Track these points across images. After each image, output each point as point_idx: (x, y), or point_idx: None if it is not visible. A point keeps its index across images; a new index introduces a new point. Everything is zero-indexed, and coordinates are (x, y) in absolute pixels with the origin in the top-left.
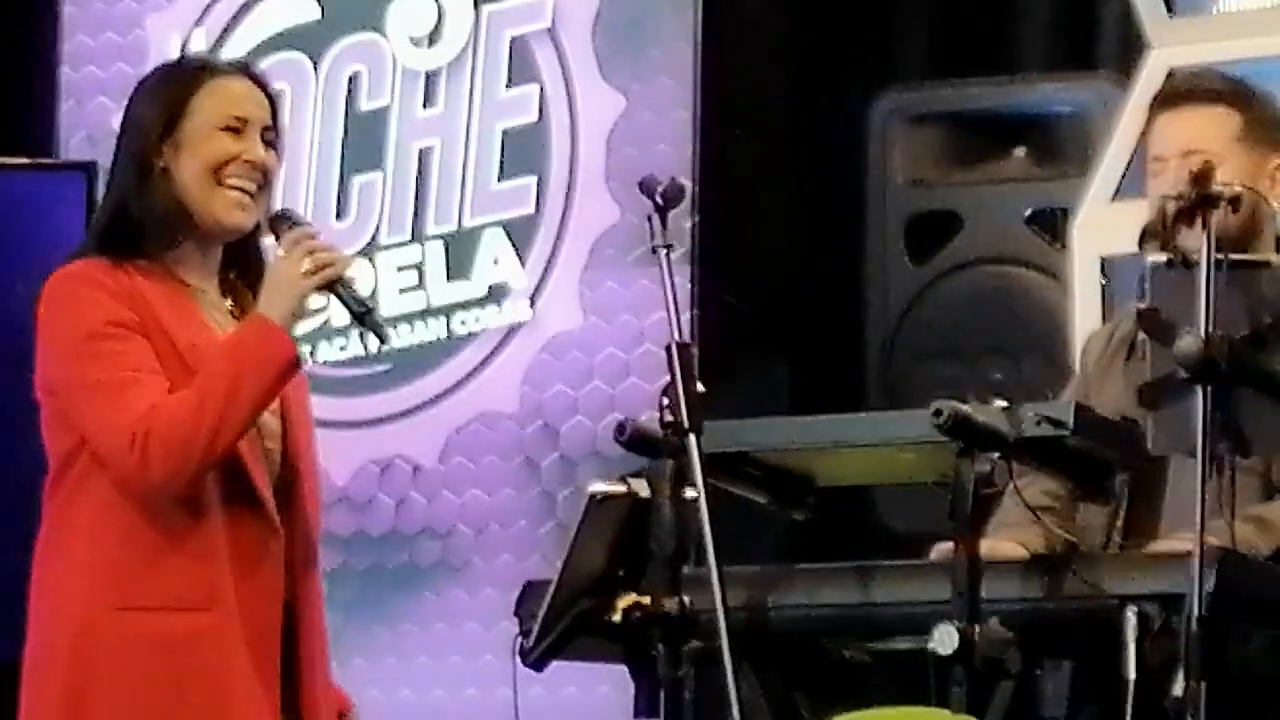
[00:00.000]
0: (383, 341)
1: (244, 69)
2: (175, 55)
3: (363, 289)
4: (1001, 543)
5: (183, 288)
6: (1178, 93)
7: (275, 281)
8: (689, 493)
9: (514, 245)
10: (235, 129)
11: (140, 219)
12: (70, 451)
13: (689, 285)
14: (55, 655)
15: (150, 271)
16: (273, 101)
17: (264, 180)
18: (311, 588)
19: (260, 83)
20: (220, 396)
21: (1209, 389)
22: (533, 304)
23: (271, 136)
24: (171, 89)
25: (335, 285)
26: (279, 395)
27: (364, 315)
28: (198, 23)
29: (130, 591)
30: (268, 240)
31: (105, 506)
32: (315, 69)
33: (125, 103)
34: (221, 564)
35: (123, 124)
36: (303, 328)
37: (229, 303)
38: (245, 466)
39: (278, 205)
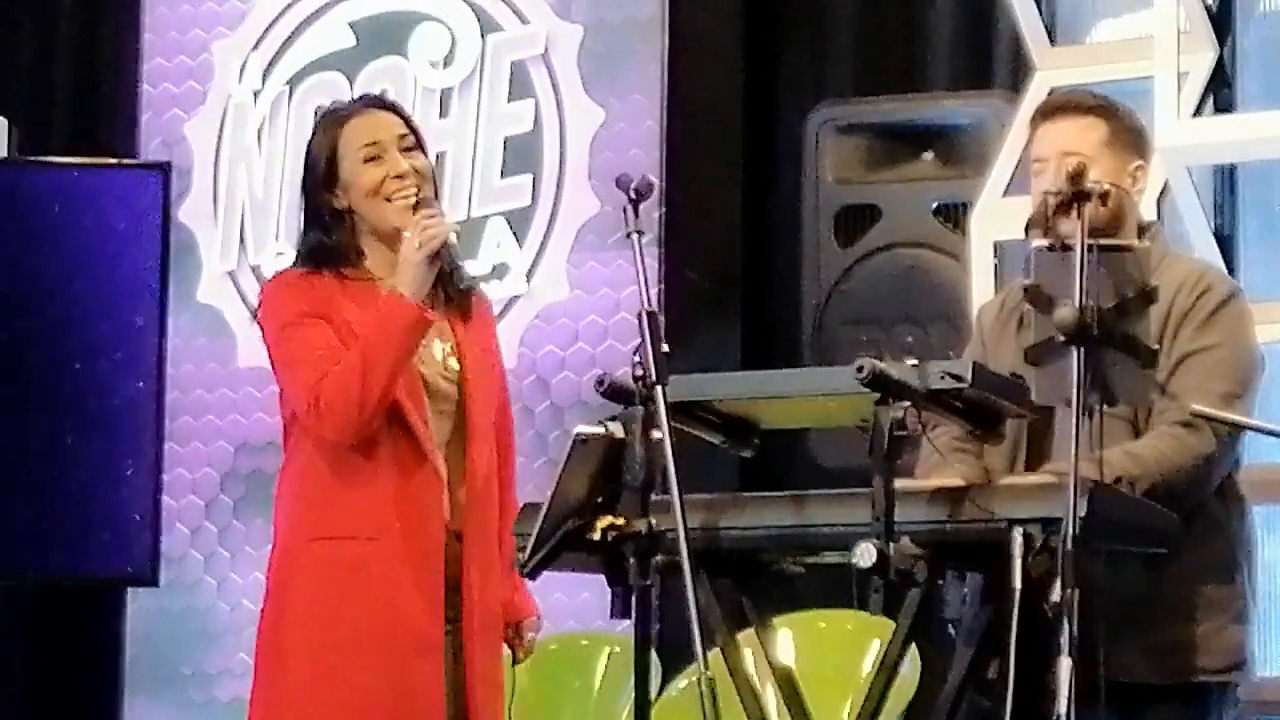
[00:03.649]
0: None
1: (369, 101)
2: (234, 75)
3: (458, 248)
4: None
5: (369, 283)
6: (1055, 106)
7: (401, 260)
8: (656, 434)
9: (513, 231)
10: (376, 156)
11: (335, 248)
12: (290, 418)
13: (657, 264)
14: (269, 572)
15: (341, 274)
16: (400, 113)
17: (418, 180)
18: (477, 521)
19: (384, 105)
20: (360, 359)
21: (1082, 350)
22: (528, 279)
23: (410, 143)
24: (320, 144)
25: (440, 250)
26: (459, 356)
27: (453, 271)
28: (254, 48)
29: (319, 525)
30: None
31: (307, 461)
32: (351, 87)
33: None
34: (388, 505)
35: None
36: None
37: None
38: (414, 430)
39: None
